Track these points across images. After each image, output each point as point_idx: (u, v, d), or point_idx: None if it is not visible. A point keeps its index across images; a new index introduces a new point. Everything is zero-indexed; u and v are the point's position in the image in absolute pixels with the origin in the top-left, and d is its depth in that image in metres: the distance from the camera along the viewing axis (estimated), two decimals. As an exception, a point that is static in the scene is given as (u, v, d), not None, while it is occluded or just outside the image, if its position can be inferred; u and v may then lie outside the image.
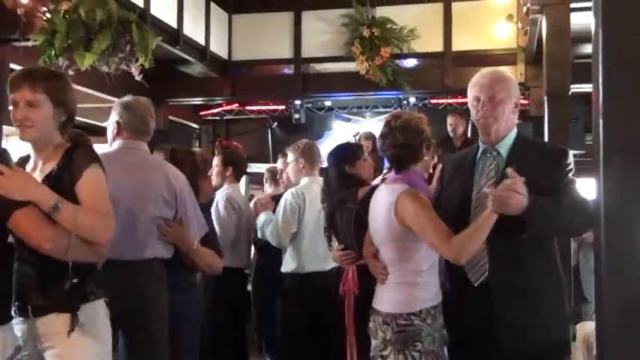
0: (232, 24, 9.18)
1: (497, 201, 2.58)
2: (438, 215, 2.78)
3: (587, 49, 6.57)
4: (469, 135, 8.88)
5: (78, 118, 2.72)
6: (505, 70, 3.07)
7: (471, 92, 2.89)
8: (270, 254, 4.76)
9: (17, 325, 2.35)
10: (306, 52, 8.98)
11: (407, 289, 2.87)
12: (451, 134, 7.61)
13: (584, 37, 4.78)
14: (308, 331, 4.34)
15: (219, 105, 9.91)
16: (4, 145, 5.96)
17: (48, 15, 5.53)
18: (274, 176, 5.65)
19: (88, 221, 2.32)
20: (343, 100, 9.60)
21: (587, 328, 4.15)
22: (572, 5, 5.33)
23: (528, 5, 5.77)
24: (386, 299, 2.91)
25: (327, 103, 9.71)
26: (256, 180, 7.92)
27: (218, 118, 10.30)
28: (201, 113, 10.23)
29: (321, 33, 8.87)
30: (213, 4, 8.69)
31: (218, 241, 3.76)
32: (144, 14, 6.70)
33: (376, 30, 8.46)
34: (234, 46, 9.19)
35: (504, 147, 2.85)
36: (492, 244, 2.72)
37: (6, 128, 6.23)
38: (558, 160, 2.80)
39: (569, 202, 2.70)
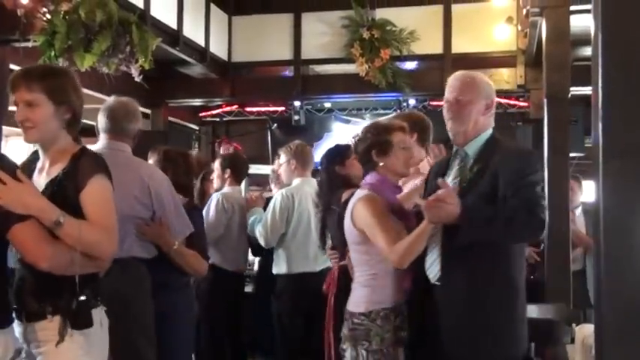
0: (232, 25, 9.19)
1: (428, 211, 2.66)
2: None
3: (587, 51, 6.57)
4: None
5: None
6: (479, 73, 3.03)
7: (445, 94, 2.95)
8: (269, 255, 4.76)
9: (17, 328, 2.34)
10: (306, 53, 8.98)
11: (362, 290, 3.03)
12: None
13: (583, 40, 4.79)
14: (302, 333, 4.36)
15: (219, 106, 9.93)
16: (3, 146, 5.96)
17: (48, 16, 5.53)
18: (279, 177, 5.67)
19: (91, 237, 2.26)
20: (343, 101, 9.61)
21: (585, 330, 4.15)
22: (572, 8, 5.33)
23: (528, 8, 5.77)
24: (350, 298, 3.07)
25: (327, 105, 9.73)
26: (256, 181, 7.92)
27: (218, 119, 10.31)
28: (200, 114, 10.24)
29: (321, 34, 8.87)
30: (213, 6, 8.69)
31: (204, 244, 3.74)
32: (144, 15, 6.70)
33: (376, 32, 8.47)
34: (234, 47, 9.19)
35: (472, 148, 2.86)
36: (445, 245, 2.79)
37: (5, 129, 6.24)
38: (522, 163, 2.75)
39: (510, 209, 2.64)
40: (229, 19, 9.17)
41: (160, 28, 7.18)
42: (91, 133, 3.28)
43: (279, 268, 4.54)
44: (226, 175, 4.83)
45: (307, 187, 4.46)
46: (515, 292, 2.79)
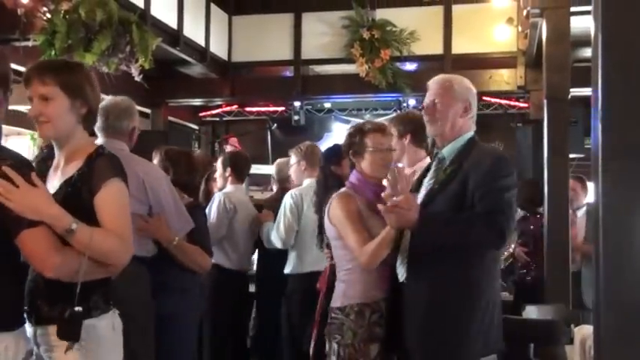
0: (232, 25, 9.19)
1: (386, 217, 2.71)
2: None
3: (587, 52, 6.58)
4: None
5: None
6: (458, 77, 3.00)
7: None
8: (271, 255, 4.76)
9: (28, 329, 2.29)
10: (306, 53, 8.99)
11: (339, 285, 3.11)
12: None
13: (583, 41, 4.79)
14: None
15: (219, 106, 9.94)
16: (3, 144, 5.94)
17: (48, 15, 5.54)
18: (289, 178, 5.68)
19: (104, 245, 2.18)
20: (343, 102, 9.62)
21: (584, 330, 4.15)
22: (572, 9, 5.34)
23: (528, 9, 5.78)
24: (333, 294, 3.16)
25: (327, 105, 9.73)
26: (255, 181, 7.92)
27: (217, 119, 10.32)
28: (200, 114, 10.25)
29: (321, 35, 8.88)
30: (213, 5, 8.70)
31: (207, 240, 3.75)
32: (144, 15, 6.71)
33: (376, 32, 8.48)
34: (234, 47, 9.20)
35: (449, 150, 2.86)
36: (412, 246, 2.83)
37: (5, 128, 6.24)
38: (492, 166, 2.72)
39: (470, 216, 2.66)
40: (229, 19, 9.17)
41: (160, 27, 7.19)
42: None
43: (290, 267, 4.55)
44: (227, 174, 4.83)
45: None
46: (478, 294, 2.72)
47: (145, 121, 8.81)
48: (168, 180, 3.43)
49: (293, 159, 4.76)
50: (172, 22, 7.66)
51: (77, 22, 5.46)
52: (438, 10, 8.63)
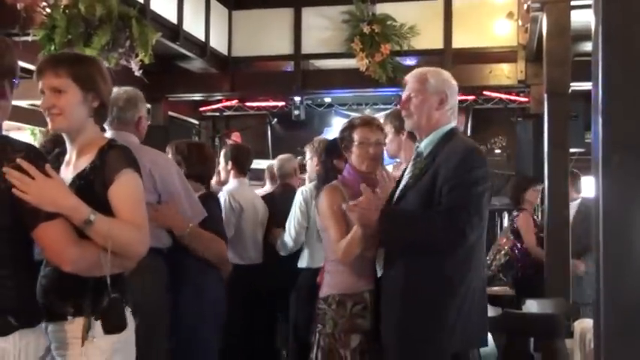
0: (232, 20, 9.17)
1: (350, 216, 2.78)
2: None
3: (588, 46, 6.57)
4: (468, 133, 8.91)
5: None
6: (434, 69, 2.98)
7: None
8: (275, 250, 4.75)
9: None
10: (306, 48, 8.97)
11: (325, 276, 3.20)
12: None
13: (584, 35, 4.78)
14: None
15: (219, 101, 9.92)
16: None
17: (48, 10, 5.53)
18: (273, 175, 5.68)
19: (122, 236, 2.16)
20: (343, 96, 9.61)
21: (584, 324, 4.16)
22: (573, 3, 5.33)
23: (529, 3, 5.77)
24: None
25: (327, 100, 9.73)
26: (256, 176, 7.92)
27: (218, 113, 10.31)
28: (200, 109, 10.23)
29: (321, 29, 8.85)
30: (213, 0, 8.68)
31: (222, 228, 3.76)
32: (144, 9, 6.69)
33: (376, 27, 8.45)
34: (234, 42, 9.18)
35: (426, 144, 2.85)
36: (381, 244, 2.87)
37: (6, 123, 6.23)
38: (462, 160, 2.68)
39: (432, 214, 2.64)
40: (229, 14, 9.15)
41: (159, 22, 7.17)
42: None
43: (301, 262, 4.56)
44: (229, 167, 4.83)
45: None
46: (452, 286, 2.68)
47: (145, 116, 8.79)
48: (178, 169, 3.44)
49: (307, 155, 4.81)
50: (172, 17, 7.64)
51: (77, 16, 5.45)
52: (438, 5, 8.61)
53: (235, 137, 9.25)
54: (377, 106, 9.42)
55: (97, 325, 2.20)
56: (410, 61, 8.98)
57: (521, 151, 7.69)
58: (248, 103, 9.97)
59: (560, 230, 5.17)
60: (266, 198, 5.07)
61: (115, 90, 3.33)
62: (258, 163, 7.85)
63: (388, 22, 8.54)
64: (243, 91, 9.44)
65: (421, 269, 2.70)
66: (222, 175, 4.89)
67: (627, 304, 1.53)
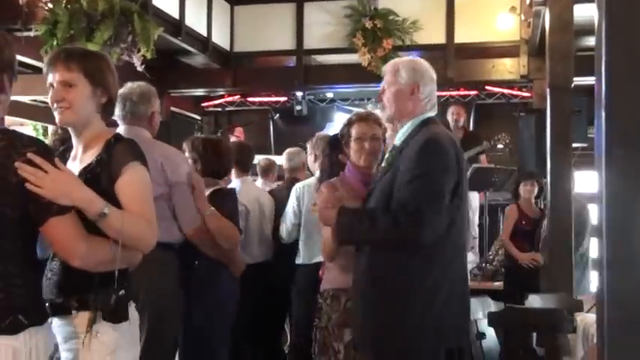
0: (234, 15, 9.16)
1: (313, 214, 2.84)
2: None
3: (591, 41, 6.56)
4: (470, 128, 8.90)
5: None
6: (408, 58, 2.94)
7: None
8: (283, 246, 4.75)
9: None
10: (308, 43, 8.96)
11: (325, 271, 3.25)
12: (452, 124, 7.61)
13: (587, 30, 4.78)
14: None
15: (221, 96, 9.92)
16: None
17: (50, 5, 5.53)
18: (265, 170, 5.68)
19: (134, 228, 2.16)
20: (345, 91, 9.60)
21: (587, 319, 4.16)
22: (576, -3, 5.31)
23: (531, -3, 5.76)
24: None
25: (329, 95, 9.72)
26: (257, 171, 7.92)
27: (220, 109, 10.30)
28: (202, 104, 10.23)
29: (324, 24, 8.85)
30: (215, -5, 8.68)
31: (237, 221, 3.79)
32: (146, 5, 6.68)
33: (378, 22, 8.44)
34: (236, 37, 9.17)
35: (399, 137, 2.79)
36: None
37: (8, 118, 6.24)
38: (416, 152, 2.62)
39: (378, 214, 2.61)
40: (231, 9, 9.14)
41: (162, 17, 7.17)
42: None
43: (299, 258, 4.56)
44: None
45: None
46: (413, 285, 2.59)
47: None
48: (189, 165, 3.48)
49: (308, 150, 4.82)
50: (174, 12, 7.63)
51: (79, 12, 5.45)
52: (440, -1, 8.60)
53: (238, 133, 9.24)
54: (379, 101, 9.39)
55: (102, 320, 2.21)
56: (412, 57, 8.97)
57: (524, 146, 7.69)
58: (250, 99, 9.97)
59: (562, 225, 5.17)
60: (274, 192, 5.06)
61: (129, 85, 3.34)
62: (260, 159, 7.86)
63: (390, 17, 8.53)
64: (245, 86, 9.44)
65: (383, 263, 2.66)
66: None
67: (631, 298, 1.53)
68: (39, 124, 8.71)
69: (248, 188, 4.80)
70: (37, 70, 5.97)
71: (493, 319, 4.29)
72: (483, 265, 6.61)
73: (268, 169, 5.74)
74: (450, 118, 7.60)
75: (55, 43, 5.39)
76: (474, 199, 7.10)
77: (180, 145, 3.91)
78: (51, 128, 5.64)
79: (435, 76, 2.86)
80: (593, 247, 5.13)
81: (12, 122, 7.36)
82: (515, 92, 9.10)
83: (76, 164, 2.34)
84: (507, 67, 8.44)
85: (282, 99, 9.84)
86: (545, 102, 5.71)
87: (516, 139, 7.88)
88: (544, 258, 5.68)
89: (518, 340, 4.19)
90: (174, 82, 8.97)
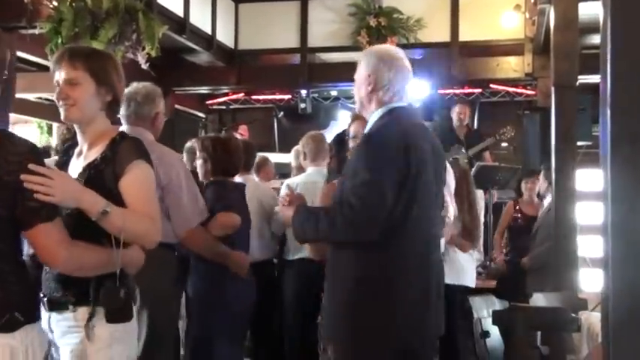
0: (239, 13, 9.17)
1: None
2: None
3: (596, 39, 6.55)
4: (475, 126, 8.89)
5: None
6: (379, 46, 2.87)
7: None
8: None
9: (42, 315, 2.26)
10: (313, 41, 8.96)
11: None
12: (456, 123, 7.61)
13: (592, 28, 4.76)
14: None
15: (226, 94, 9.93)
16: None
17: (55, 3, 5.54)
18: (258, 167, 5.68)
19: (137, 226, 2.19)
20: (349, 89, 9.56)
21: (592, 318, 4.15)
22: (581, -5, 5.30)
23: (536, -5, 5.75)
24: None
25: (333, 93, 9.71)
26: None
27: (224, 107, 10.31)
28: (207, 102, 10.24)
29: (328, 22, 8.85)
30: (219, -7, 8.68)
31: (246, 217, 3.85)
32: (150, 3, 6.69)
33: (383, 19, 8.45)
34: (240, 35, 9.18)
35: (366, 128, 2.74)
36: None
37: (13, 116, 6.25)
38: (357, 146, 2.60)
39: (316, 211, 2.65)
40: (236, 7, 9.15)
41: (166, 15, 7.18)
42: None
43: (294, 253, 4.59)
44: None
45: (317, 176, 4.53)
46: (365, 282, 2.54)
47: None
48: (186, 169, 3.45)
49: (300, 149, 4.85)
50: (179, 10, 7.65)
51: (84, 10, 5.46)
52: (444, -3, 8.59)
53: (242, 131, 9.25)
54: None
55: (99, 314, 2.23)
56: (417, 55, 8.96)
57: (528, 144, 7.67)
58: (254, 97, 9.97)
59: (567, 223, 5.15)
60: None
61: (135, 85, 3.34)
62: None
63: (395, 15, 8.53)
64: (249, 84, 9.45)
65: (337, 257, 2.66)
66: None
67: (636, 297, 1.53)
68: (44, 122, 8.74)
69: (249, 187, 4.80)
70: (42, 68, 5.98)
71: (497, 318, 4.29)
72: (488, 263, 6.61)
73: (262, 166, 5.74)
74: (454, 116, 7.60)
75: (59, 41, 5.40)
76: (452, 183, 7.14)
77: (184, 142, 3.92)
78: (56, 127, 5.66)
79: (407, 65, 2.72)
80: (581, 246, 5.15)
81: (17, 120, 7.38)
82: (519, 90, 9.08)
83: (80, 161, 2.37)
84: (512, 65, 8.43)
85: (287, 97, 9.84)
86: (549, 100, 5.70)
87: (521, 137, 7.87)
88: (530, 259, 5.81)
89: (523, 338, 4.19)
90: (178, 80, 8.99)
